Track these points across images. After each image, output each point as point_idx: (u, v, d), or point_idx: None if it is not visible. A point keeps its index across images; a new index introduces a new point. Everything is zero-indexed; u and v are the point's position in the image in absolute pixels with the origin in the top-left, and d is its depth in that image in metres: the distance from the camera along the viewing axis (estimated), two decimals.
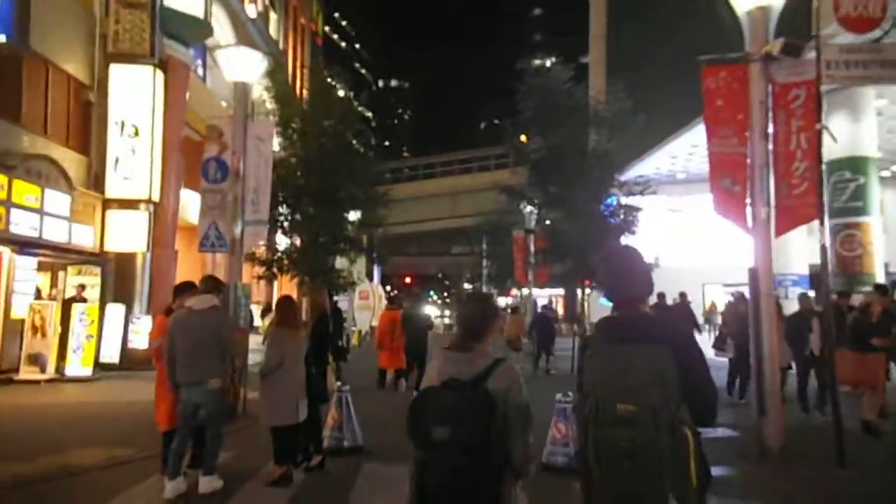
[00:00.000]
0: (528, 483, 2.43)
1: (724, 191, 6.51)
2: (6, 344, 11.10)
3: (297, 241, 15.34)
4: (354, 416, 6.59)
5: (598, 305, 27.54)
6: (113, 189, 13.12)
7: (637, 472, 2.00)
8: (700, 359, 2.19)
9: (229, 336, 5.25)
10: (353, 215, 16.63)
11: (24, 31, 10.54)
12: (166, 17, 13.39)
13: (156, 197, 13.43)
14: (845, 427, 6.00)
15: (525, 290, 25.24)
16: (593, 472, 2.11)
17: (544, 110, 13.98)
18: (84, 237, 12.65)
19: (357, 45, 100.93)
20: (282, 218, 15.07)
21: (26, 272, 11.60)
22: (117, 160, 13.03)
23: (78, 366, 11.56)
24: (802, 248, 19.04)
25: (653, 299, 13.84)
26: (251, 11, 19.91)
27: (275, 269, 14.83)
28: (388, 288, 41.45)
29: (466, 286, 72.82)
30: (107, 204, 13.19)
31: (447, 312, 52.44)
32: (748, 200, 6.54)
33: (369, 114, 76.64)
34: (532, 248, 18.85)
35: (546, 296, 32.25)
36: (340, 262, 17.42)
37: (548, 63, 15.08)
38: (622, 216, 13.70)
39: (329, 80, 15.59)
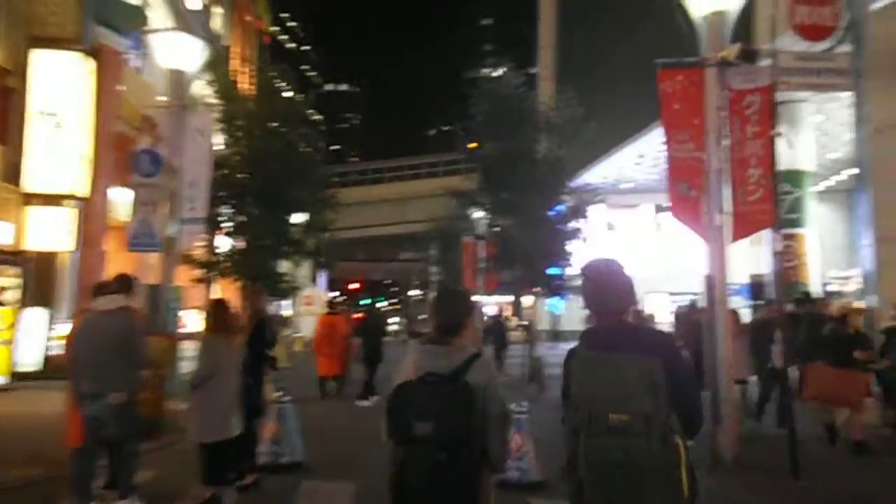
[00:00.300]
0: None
1: (681, 195, 6.41)
2: None
3: (240, 244, 14.75)
4: (294, 429, 6.13)
5: (544, 312, 27.67)
6: (33, 183, 12.14)
7: (629, 482, 2.00)
8: (688, 370, 2.23)
9: (138, 342, 4.67)
10: (299, 218, 16.11)
11: None
12: (99, 3, 12.56)
13: (83, 193, 12.51)
14: (801, 436, 5.95)
15: (474, 297, 25.06)
16: (584, 482, 2.07)
17: (496, 115, 13.88)
18: (0, 234, 11.66)
19: (306, 48, 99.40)
20: (223, 218, 14.46)
21: None
22: (39, 152, 12.07)
23: None
24: (743, 258, 19.54)
25: None
26: (193, 2, 19.09)
27: (215, 272, 14.19)
28: (336, 293, 40.63)
29: (415, 293, 72.44)
30: (27, 199, 12.20)
31: (397, 319, 51.91)
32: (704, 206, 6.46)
33: (318, 117, 75.53)
34: (482, 255, 18.67)
35: (494, 303, 32.23)
36: (284, 266, 16.85)
37: (497, 72, 15.04)
38: (572, 223, 13.69)
39: (275, 78, 15.06)
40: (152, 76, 17.07)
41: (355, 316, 22.11)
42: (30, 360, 11.54)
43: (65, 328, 11.72)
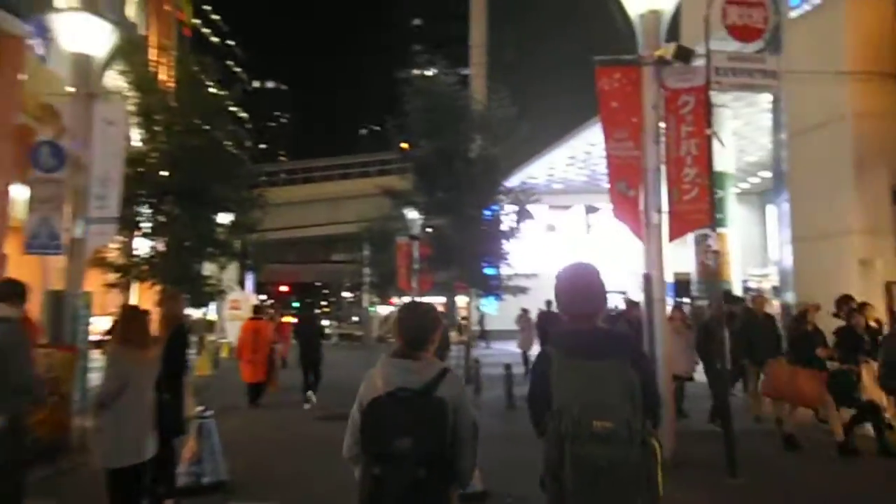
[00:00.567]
0: None
1: (621, 194, 6.37)
2: None
3: (161, 246, 13.86)
4: (217, 446, 5.66)
5: (477, 313, 27.65)
6: None
7: (613, 488, 2.06)
8: (652, 370, 2.50)
9: (22, 358, 4.05)
10: (224, 218, 15.33)
11: None
12: None
13: None
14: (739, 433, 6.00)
15: (408, 299, 24.76)
16: (565, 489, 2.10)
17: (430, 113, 13.66)
18: None
19: (231, 43, 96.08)
20: (141, 219, 13.54)
21: None
22: None
23: None
24: (668, 257, 20.09)
25: (542, 306, 13.80)
26: None
27: (131, 277, 13.25)
28: (264, 297, 39.30)
29: (346, 294, 71.29)
30: None
31: (327, 322, 50.82)
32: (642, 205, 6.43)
33: (244, 114, 73.08)
34: (416, 255, 18.40)
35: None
36: (209, 269, 16.00)
37: (430, 72, 14.84)
38: (508, 222, 13.64)
39: (197, 71, 14.22)
40: (59, 65, 15.83)
41: (284, 320, 21.40)
42: None
43: None
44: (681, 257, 16.94)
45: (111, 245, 13.28)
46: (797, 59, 10.25)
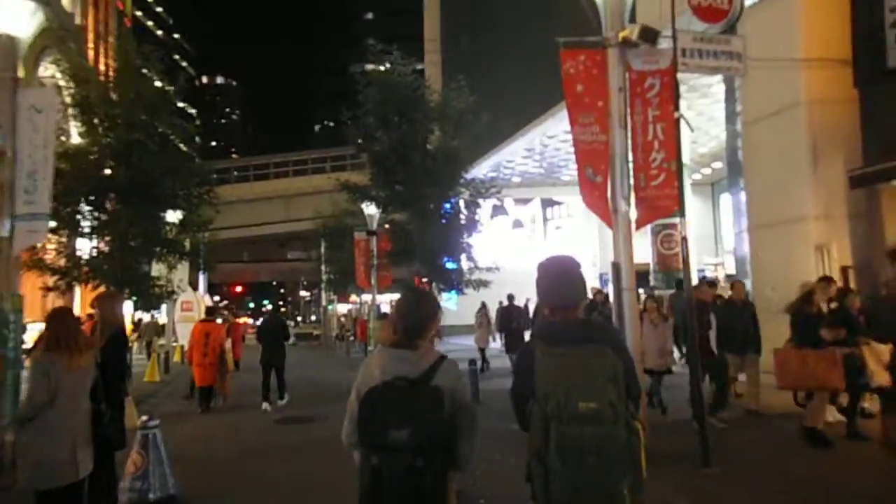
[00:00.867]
0: None
1: (589, 181, 6.16)
2: None
3: (103, 246, 13.10)
4: (165, 457, 5.21)
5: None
6: None
7: (599, 467, 2.10)
8: (631, 358, 2.43)
9: None
10: (173, 216, 14.61)
11: None
12: None
13: None
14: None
15: (366, 296, 24.31)
16: (550, 470, 2.13)
17: (387, 105, 13.29)
18: None
19: (176, 36, 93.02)
20: (81, 217, 12.76)
21: None
22: None
23: None
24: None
25: (503, 300, 13.58)
26: None
27: (70, 278, 12.48)
28: (217, 298, 38.16)
29: (303, 293, 70.04)
30: None
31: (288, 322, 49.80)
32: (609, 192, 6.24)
33: (192, 111, 70.93)
34: (375, 251, 18.00)
35: (387, 301, 31.60)
36: (157, 269, 15.25)
37: (384, 67, 14.44)
38: (468, 214, 13.40)
39: (140, 64, 13.43)
40: None
41: (239, 321, 20.67)
42: None
43: None
44: (637, 247, 17.11)
45: (49, 246, 12.49)
46: (752, 46, 10.26)
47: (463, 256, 13.74)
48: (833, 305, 6.83)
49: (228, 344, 14.28)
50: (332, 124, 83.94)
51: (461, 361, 2.69)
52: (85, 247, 13.37)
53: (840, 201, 10.15)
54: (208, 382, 10.81)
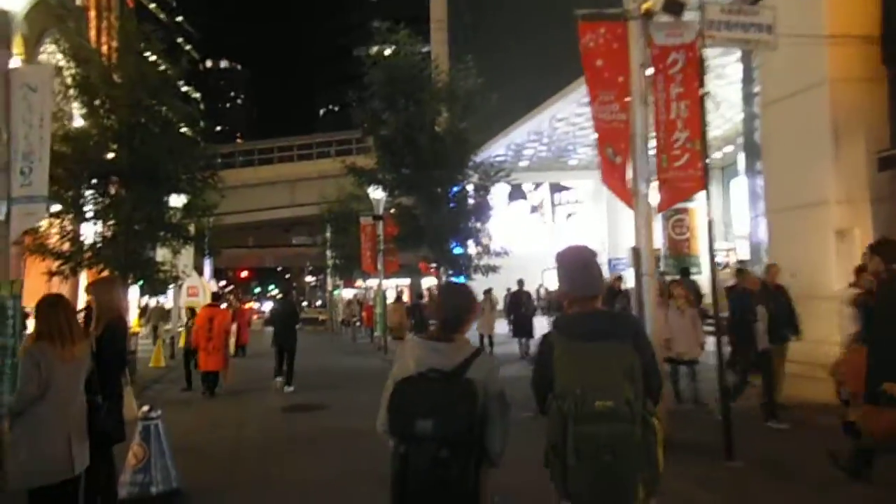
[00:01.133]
0: None
1: (609, 161, 5.87)
2: None
3: (107, 230, 12.91)
4: (167, 450, 5.01)
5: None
6: None
7: (616, 465, 2.12)
8: (652, 350, 2.42)
9: None
10: (177, 200, 14.38)
11: None
12: None
13: None
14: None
15: (373, 281, 24.07)
16: (569, 466, 2.16)
17: (394, 85, 12.95)
18: None
19: (179, 19, 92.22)
20: (84, 201, 12.56)
21: None
22: None
23: None
24: (632, 231, 19.97)
25: (513, 285, 13.34)
26: None
27: (74, 263, 12.29)
28: (223, 283, 38.09)
29: (309, 279, 69.95)
30: None
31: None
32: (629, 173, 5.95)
33: (197, 94, 70.47)
34: (381, 236, 17.74)
35: (395, 286, 31.39)
36: (161, 254, 15.07)
37: (389, 50, 14.05)
38: (477, 199, 13.10)
39: (142, 43, 13.12)
40: None
41: (246, 306, 20.52)
42: None
43: None
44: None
45: (52, 230, 12.30)
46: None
47: (471, 242, 13.46)
48: None
49: (234, 328, 14.19)
50: (337, 108, 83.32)
51: None
52: (89, 231, 13.19)
53: (863, 184, 9.79)
54: (212, 367, 10.71)
